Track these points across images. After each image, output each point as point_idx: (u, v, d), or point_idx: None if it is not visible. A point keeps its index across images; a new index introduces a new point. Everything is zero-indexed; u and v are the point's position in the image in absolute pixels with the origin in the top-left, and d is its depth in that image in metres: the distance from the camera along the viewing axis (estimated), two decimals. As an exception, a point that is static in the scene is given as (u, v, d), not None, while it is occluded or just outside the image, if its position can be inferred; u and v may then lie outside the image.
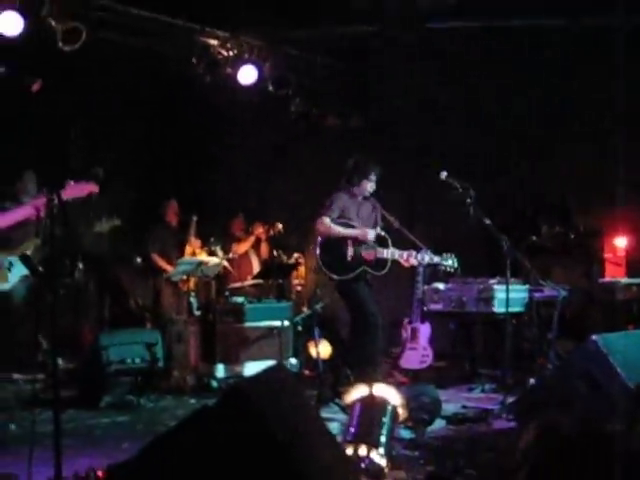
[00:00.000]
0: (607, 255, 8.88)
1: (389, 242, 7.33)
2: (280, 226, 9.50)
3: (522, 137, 9.50)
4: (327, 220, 7.18)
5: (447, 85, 9.34)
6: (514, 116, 9.46)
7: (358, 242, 7.23)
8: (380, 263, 7.29)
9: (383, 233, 7.34)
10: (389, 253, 7.26)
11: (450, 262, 7.28)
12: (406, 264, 7.36)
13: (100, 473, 4.31)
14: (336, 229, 7.19)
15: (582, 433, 2.78)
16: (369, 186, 7.27)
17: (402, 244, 7.36)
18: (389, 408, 4.62)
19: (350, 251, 7.19)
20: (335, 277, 7.16)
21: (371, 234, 7.20)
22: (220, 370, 7.98)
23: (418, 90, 9.38)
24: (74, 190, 5.48)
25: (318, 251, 7.18)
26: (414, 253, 7.28)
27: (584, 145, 9.16)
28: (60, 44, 7.65)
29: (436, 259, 7.28)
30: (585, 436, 2.68)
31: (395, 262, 7.28)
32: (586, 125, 9.14)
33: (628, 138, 9.00)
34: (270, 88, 9.30)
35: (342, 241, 7.20)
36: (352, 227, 7.23)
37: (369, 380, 5.52)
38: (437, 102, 9.34)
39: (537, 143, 9.51)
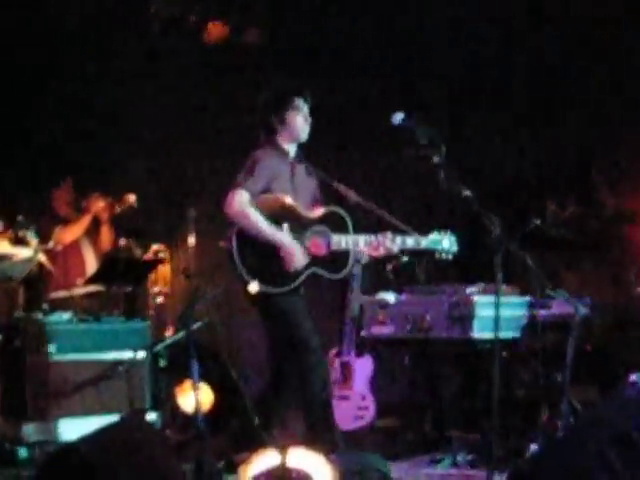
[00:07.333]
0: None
1: (349, 225, 6.81)
2: (133, 199, 9.16)
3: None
4: (246, 197, 6.55)
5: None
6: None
7: (300, 224, 6.74)
8: (337, 259, 6.78)
9: (342, 211, 6.86)
10: (350, 242, 6.73)
11: (447, 246, 6.87)
12: (375, 254, 6.90)
13: None
14: (255, 220, 6.67)
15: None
16: (299, 120, 6.88)
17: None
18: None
19: None
20: (270, 289, 6.59)
21: (300, 260, 6.71)
22: (31, 431, 7.72)
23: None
24: None
25: (235, 244, 6.59)
26: (390, 235, 6.63)
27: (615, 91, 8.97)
28: None
29: (424, 242, 6.77)
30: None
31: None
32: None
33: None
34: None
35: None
36: (284, 210, 6.80)
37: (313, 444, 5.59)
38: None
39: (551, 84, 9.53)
